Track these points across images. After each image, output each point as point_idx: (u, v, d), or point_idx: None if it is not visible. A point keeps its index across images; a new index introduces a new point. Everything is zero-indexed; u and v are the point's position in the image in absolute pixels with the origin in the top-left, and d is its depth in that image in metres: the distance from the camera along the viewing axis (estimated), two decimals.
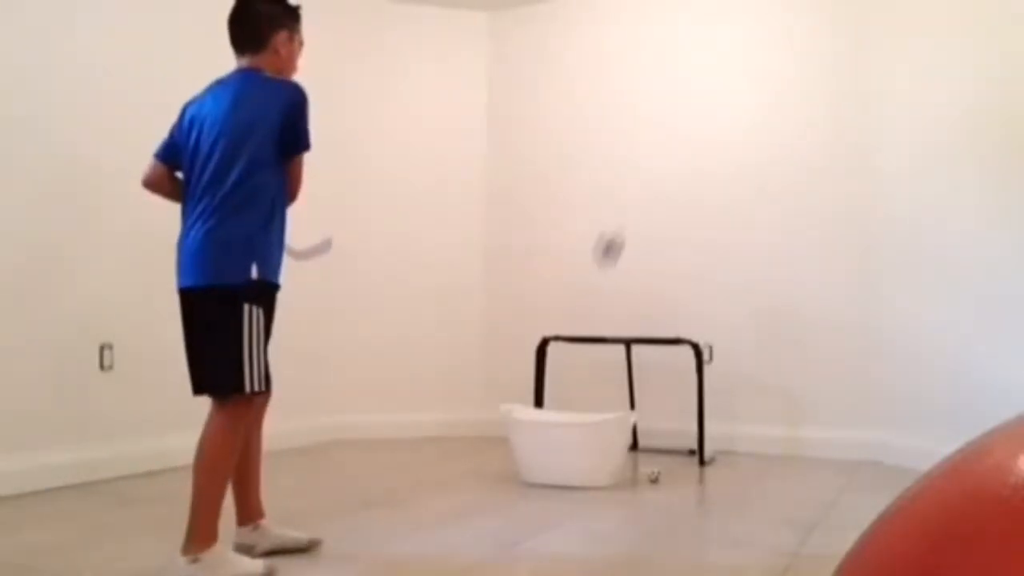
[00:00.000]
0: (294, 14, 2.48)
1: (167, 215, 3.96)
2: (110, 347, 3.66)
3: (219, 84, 2.41)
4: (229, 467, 2.32)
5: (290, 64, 2.48)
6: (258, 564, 2.28)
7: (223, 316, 2.27)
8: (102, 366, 3.64)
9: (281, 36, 2.43)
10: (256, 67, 2.41)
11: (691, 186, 4.62)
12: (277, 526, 2.55)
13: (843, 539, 1.53)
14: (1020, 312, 3.49)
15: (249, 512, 2.52)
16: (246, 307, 2.26)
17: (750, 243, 4.46)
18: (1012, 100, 3.57)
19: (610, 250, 2.67)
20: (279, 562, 2.39)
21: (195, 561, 2.18)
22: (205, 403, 4.38)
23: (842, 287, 4.25)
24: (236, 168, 2.27)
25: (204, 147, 2.32)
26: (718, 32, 4.63)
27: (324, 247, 2.72)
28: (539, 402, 4.29)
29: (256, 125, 2.29)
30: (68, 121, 3.57)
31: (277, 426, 4.29)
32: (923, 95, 3.95)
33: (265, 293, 2.34)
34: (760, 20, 4.53)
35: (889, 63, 4.12)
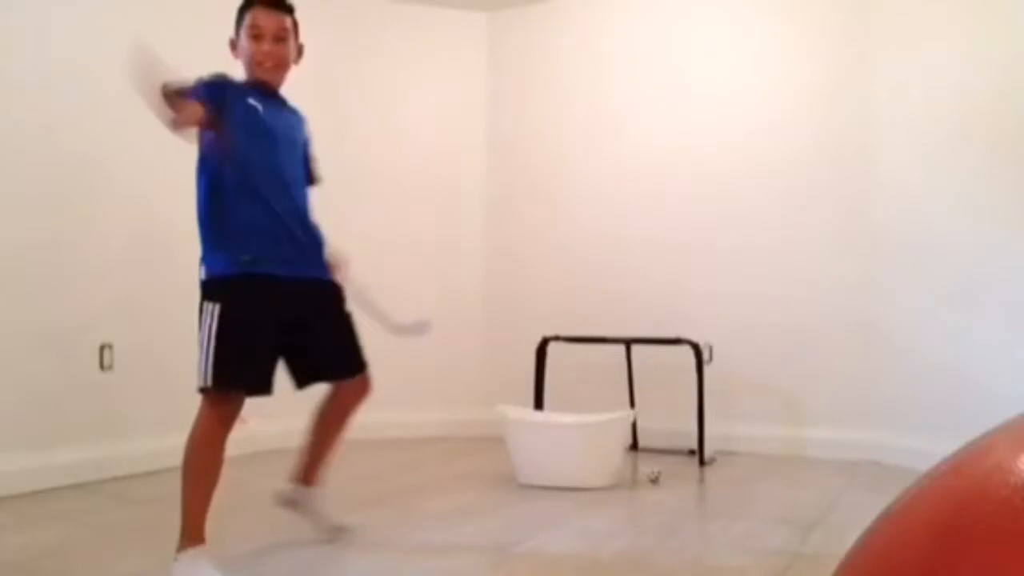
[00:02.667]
0: (238, 14, 2.44)
1: (167, 216, 3.97)
2: (110, 347, 3.66)
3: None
4: (203, 466, 2.31)
5: (242, 57, 2.44)
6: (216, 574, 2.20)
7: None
8: (102, 366, 3.64)
9: (230, 44, 2.47)
10: None
11: (692, 186, 4.62)
12: (323, 504, 2.65)
13: (843, 539, 1.53)
14: (1021, 311, 3.49)
15: (307, 474, 2.62)
16: (203, 304, 2.29)
17: (750, 243, 4.46)
18: (1015, 99, 3.57)
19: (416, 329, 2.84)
20: (277, 551, 2.39)
21: (175, 560, 2.21)
22: None
23: (842, 287, 4.25)
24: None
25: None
26: (718, 33, 4.63)
27: (422, 328, 2.82)
28: (539, 402, 4.29)
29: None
30: (69, 121, 3.57)
31: (276, 426, 4.30)
32: (926, 95, 3.95)
33: (239, 286, 2.29)
34: (761, 21, 4.53)
35: (891, 63, 4.12)
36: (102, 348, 3.64)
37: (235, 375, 2.26)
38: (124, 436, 3.71)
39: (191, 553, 2.20)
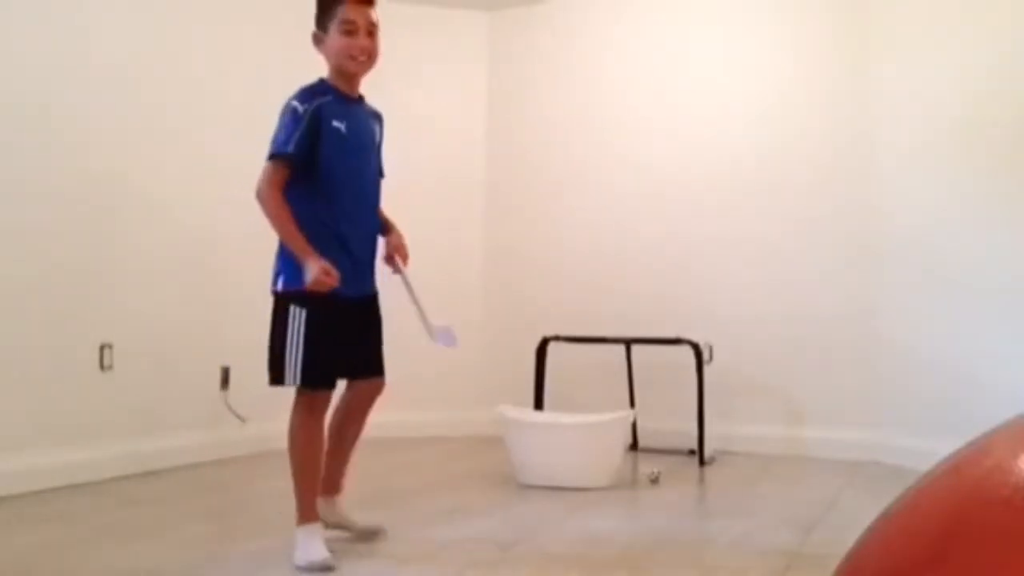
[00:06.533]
0: (322, 9, 2.50)
1: (166, 216, 3.97)
2: (110, 347, 3.66)
3: None
4: (307, 451, 2.48)
5: (332, 52, 2.49)
6: (324, 553, 2.35)
7: (273, 317, 2.47)
8: (102, 366, 3.64)
9: (314, 39, 2.52)
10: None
11: (692, 185, 4.62)
12: (347, 508, 2.69)
13: (843, 539, 1.53)
14: (1020, 311, 3.49)
15: (327, 485, 2.65)
16: (288, 307, 2.41)
17: (750, 243, 4.46)
18: (1013, 98, 3.57)
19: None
20: (278, 552, 2.39)
21: (296, 530, 2.41)
22: (203, 404, 4.39)
23: (842, 287, 4.25)
24: None
25: None
26: (718, 32, 4.63)
27: (448, 339, 2.84)
28: (539, 402, 4.29)
29: None
30: (72, 120, 3.56)
31: (277, 426, 4.30)
32: (924, 93, 3.95)
33: (313, 299, 2.39)
34: (760, 20, 4.53)
35: (890, 61, 4.12)
36: (102, 348, 3.64)
37: (323, 375, 2.44)
38: (124, 436, 3.71)
39: (308, 528, 2.40)
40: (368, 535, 2.65)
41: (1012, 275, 3.53)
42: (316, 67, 2.61)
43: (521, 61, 5.20)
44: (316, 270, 2.31)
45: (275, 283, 2.46)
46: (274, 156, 2.39)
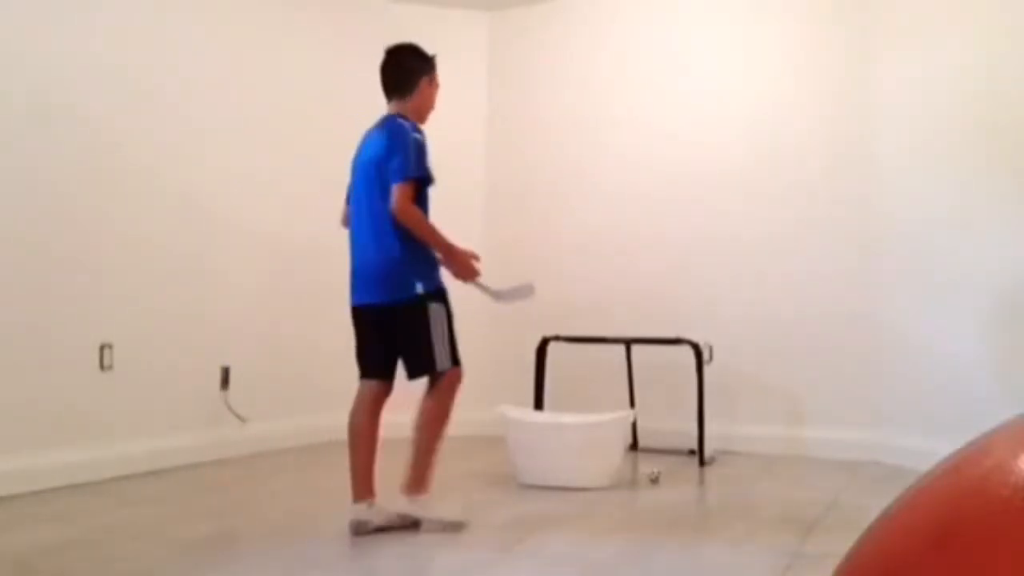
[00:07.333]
0: (431, 62, 2.96)
1: (167, 216, 3.97)
2: (110, 347, 3.66)
3: (373, 128, 2.90)
4: (445, 428, 2.82)
5: (430, 103, 2.98)
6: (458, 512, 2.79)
7: (413, 319, 2.78)
8: (102, 366, 3.64)
9: (423, 81, 2.93)
10: (397, 112, 2.89)
11: (693, 186, 4.62)
12: (389, 504, 2.82)
13: (843, 539, 1.53)
14: (1020, 311, 3.49)
15: (364, 490, 2.80)
16: (430, 306, 2.77)
17: (750, 243, 4.46)
18: (1013, 98, 3.57)
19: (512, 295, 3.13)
20: (277, 550, 2.39)
21: (413, 501, 2.73)
22: (203, 404, 4.39)
23: (843, 287, 4.25)
24: (374, 200, 2.79)
25: (355, 185, 2.91)
26: (718, 32, 4.63)
27: (525, 291, 3.18)
28: (539, 402, 4.29)
29: (383, 162, 2.77)
30: (72, 120, 3.56)
31: (278, 426, 4.29)
32: (924, 94, 3.95)
33: (443, 296, 2.83)
34: (760, 20, 4.53)
35: (890, 61, 4.12)
36: (102, 348, 3.64)
37: (457, 355, 2.84)
38: (124, 436, 3.71)
39: (423, 499, 2.75)
40: (416, 524, 2.81)
41: (1012, 275, 3.53)
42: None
43: (521, 61, 5.20)
44: (467, 261, 2.87)
45: (412, 288, 2.76)
46: (416, 179, 2.77)
